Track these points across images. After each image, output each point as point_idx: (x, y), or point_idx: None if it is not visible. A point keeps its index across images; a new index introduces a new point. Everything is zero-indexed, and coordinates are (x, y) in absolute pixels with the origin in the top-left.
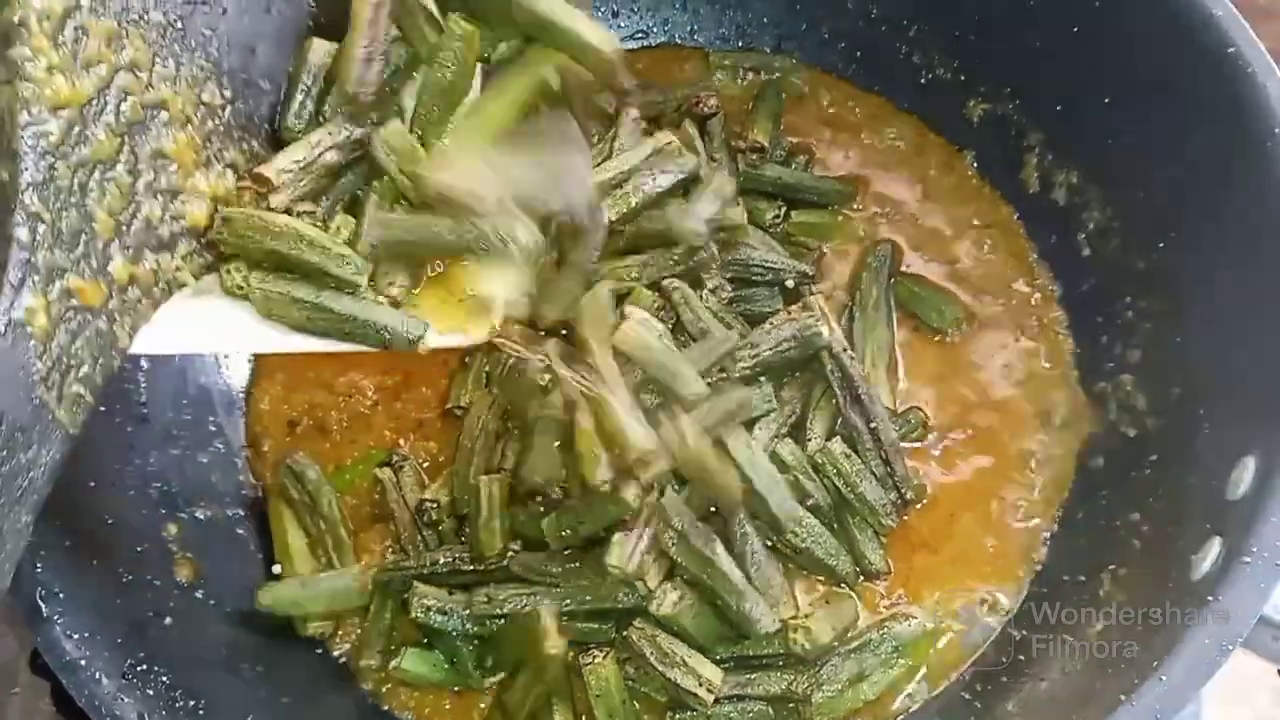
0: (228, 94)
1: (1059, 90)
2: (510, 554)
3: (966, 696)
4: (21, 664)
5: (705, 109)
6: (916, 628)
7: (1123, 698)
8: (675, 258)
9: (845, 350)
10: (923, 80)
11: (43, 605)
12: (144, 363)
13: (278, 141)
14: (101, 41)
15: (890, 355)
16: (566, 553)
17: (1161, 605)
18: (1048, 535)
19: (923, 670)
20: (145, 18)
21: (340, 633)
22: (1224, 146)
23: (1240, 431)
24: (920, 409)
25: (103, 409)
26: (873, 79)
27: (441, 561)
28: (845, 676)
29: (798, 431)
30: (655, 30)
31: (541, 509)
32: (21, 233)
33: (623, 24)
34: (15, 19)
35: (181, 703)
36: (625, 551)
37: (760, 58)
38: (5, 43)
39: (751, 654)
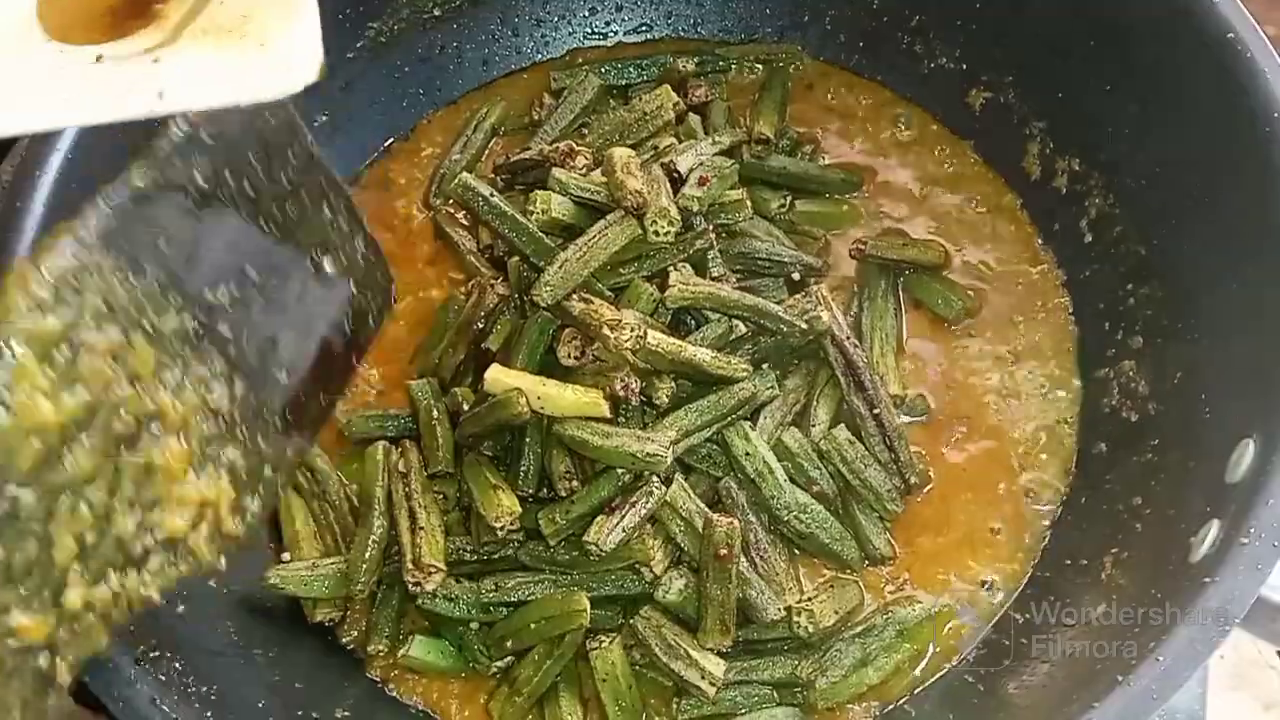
0: (238, 392)
1: (1059, 78)
2: (515, 543)
3: (969, 679)
4: None
5: (695, 98)
6: (920, 611)
7: (1120, 678)
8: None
9: (848, 337)
10: (925, 70)
11: None
12: None
13: (288, 434)
14: (101, 357)
15: (898, 343)
16: (570, 540)
17: (1162, 587)
18: (1050, 519)
19: (926, 654)
20: (157, 327)
21: (349, 620)
22: (1224, 132)
23: (1240, 415)
24: (924, 395)
25: None
26: (876, 69)
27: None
28: (849, 661)
29: (802, 419)
30: (658, 23)
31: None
32: None
33: (626, 18)
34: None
35: (194, 688)
36: (604, 531)
37: (764, 49)
38: None
39: (756, 638)
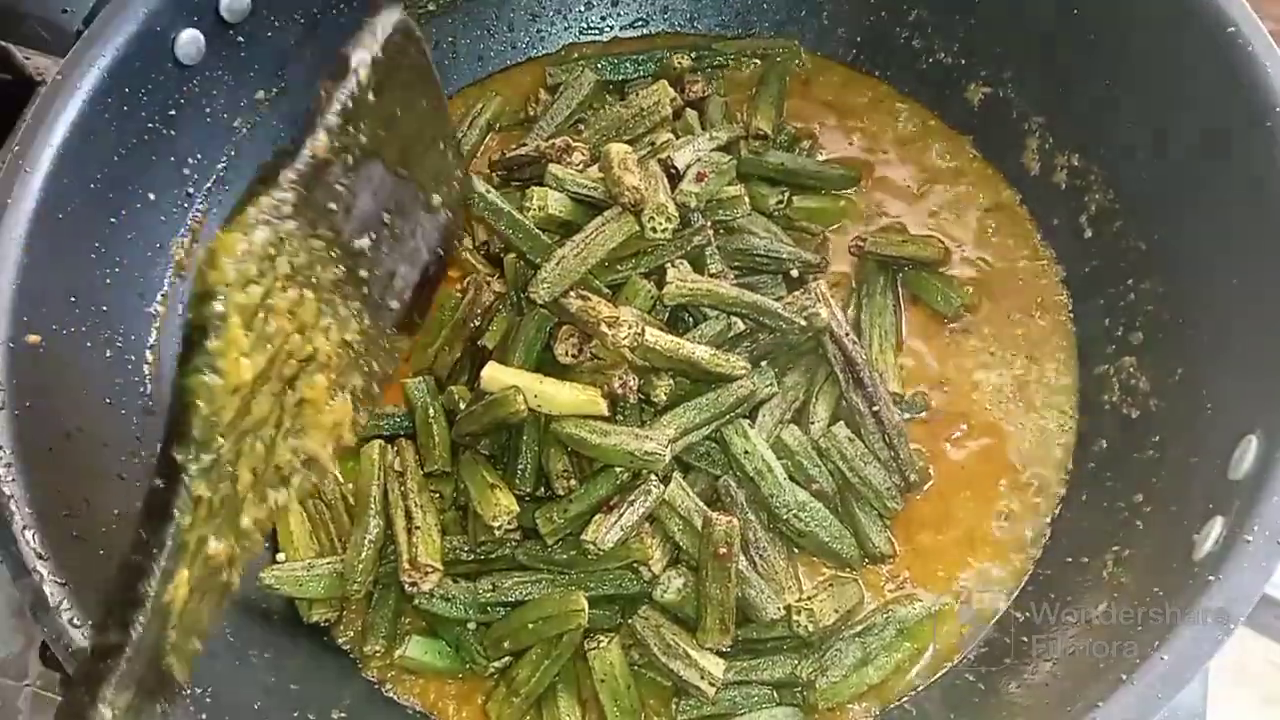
0: (365, 324)
1: (1059, 72)
2: (513, 542)
3: (970, 678)
4: (32, 657)
5: (692, 94)
6: (920, 610)
7: (1123, 678)
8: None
9: (847, 334)
10: (923, 65)
11: (50, 596)
12: (149, 355)
13: (391, 352)
14: (283, 316)
15: (897, 340)
16: (568, 539)
17: (1164, 585)
18: (1051, 517)
19: (927, 653)
20: (320, 279)
21: (345, 620)
22: (1224, 126)
23: (1242, 411)
24: (924, 392)
25: (108, 401)
26: (874, 64)
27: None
28: (850, 660)
29: (801, 416)
30: (655, 18)
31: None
32: (185, 519)
33: (622, 12)
34: (218, 311)
35: (188, 691)
36: (602, 530)
37: (761, 44)
38: (203, 335)
39: (756, 637)
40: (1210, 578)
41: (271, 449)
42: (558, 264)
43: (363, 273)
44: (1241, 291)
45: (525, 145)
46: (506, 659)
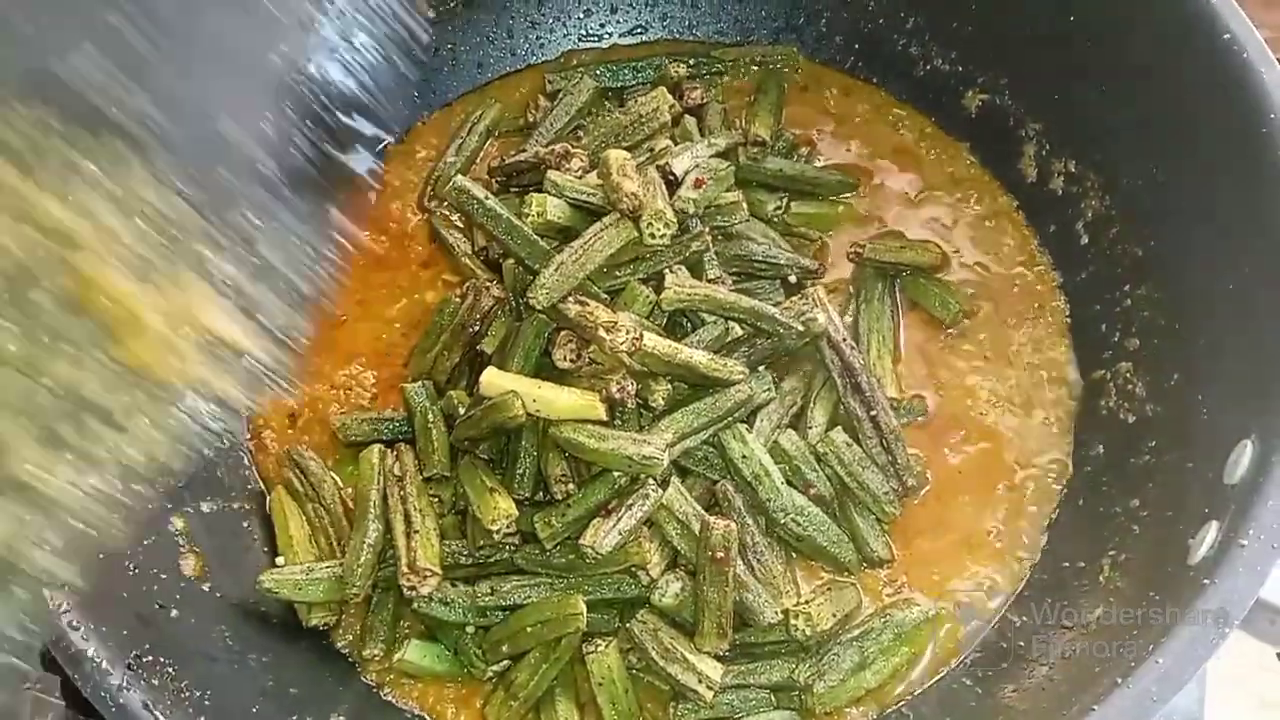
0: (188, 189)
1: (1056, 80)
2: (511, 546)
3: (967, 682)
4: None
5: (690, 100)
6: (918, 615)
7: (1119, 681)
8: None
9: (845, 339)
10: (921, 72)
11: (49, 598)
12: None
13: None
14: None
15: (894, 345)
16: (567, 543)
17: (1160, 590)
18: (1048, 522)
19: (924, 657)
20: None
21: (344, 624)
22: (1220, 133)
23: (1238, 416)
24: (921, 397)
25: None
26: (872, 71)
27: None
28: (847, 665)
29: (799, 421)
30: (654, 25)
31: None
32: None
33: (620, 19)
34: None
35: (187, 694)
36: (600, 534)
37: (759, 51)
38: None
39: (753, 641)
40: (1205, 582)
41: (41, 373)
42: (556, 269)
43: (117, 113)
44: (1237, 297)
45: (524, 151)
46: (505, 662)
